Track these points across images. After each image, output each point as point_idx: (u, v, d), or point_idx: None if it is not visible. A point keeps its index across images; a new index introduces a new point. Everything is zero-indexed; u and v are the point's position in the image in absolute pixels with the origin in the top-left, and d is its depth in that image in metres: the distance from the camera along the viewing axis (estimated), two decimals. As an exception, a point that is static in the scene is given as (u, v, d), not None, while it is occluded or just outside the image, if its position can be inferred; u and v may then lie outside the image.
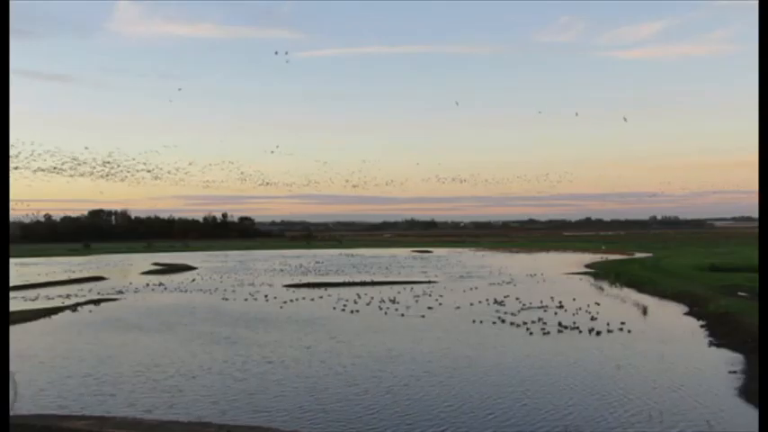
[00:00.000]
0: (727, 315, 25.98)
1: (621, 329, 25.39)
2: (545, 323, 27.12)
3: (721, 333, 23.83)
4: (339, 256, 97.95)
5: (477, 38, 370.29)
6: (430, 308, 33.11)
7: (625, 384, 17.01)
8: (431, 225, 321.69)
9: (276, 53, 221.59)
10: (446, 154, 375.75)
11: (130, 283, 50.42)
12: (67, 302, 37.14)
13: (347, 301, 36.50)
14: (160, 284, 49.50)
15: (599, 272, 56.28)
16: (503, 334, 25.19)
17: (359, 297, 38.41)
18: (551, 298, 36.32)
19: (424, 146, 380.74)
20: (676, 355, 20.72)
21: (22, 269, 68.08)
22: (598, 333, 24.77)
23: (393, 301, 36.00)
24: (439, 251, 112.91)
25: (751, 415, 14.04)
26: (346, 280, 52.26)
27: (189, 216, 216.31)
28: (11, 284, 44.71)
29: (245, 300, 38.63)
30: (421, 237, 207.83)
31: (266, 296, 39.98)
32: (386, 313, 31.41)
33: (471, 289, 43.26)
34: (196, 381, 17.98)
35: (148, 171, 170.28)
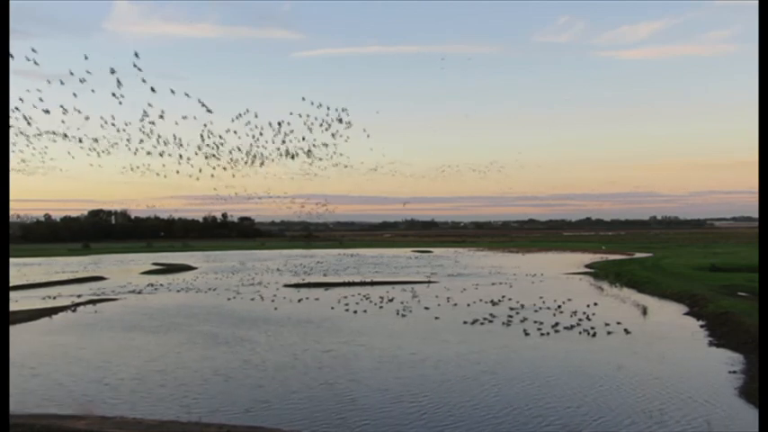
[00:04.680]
0: (727, 315, 25.97)
1: (621, 330, 25.40)
2: (542, 323, 27.12)
3: (721, 333, 23.84)
4: (340, 256, 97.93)
5: (476, 38, 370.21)
6: (427, 308, 33.12)
7: (625, 384, 17.03)
8: (431, 225, 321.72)
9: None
10: (449, 153, 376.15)
11: (130, 283, 50.41)
12: (67, 302, 37.12)
13: (354, 301, 36.38)
14: (161, 284, 49.50)
15: (599, 272, 56.29)
16: (509, 336, 25.19)
17: (363, 297, 38.31)
18: (550, 298, 36.33)
19: (427, 145, 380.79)
20: (676, 356, 20.74)
21: (22, 269, 68.09)
22: (598, 334, 24.78)
23: (398, 302, 35.97)
24: (439, 251, 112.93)
25: (751, 415, 14.06)
26: (349, 280, 52.25)
27: (189, 216, 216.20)
28: (11, 284, 44.71)
29: (252, 299, 38.51)
30: (421, 237, 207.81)
31: (273, 296, 39.87)
32: (402, 316, 30.80)
33: (470, 288, 43.25)
34: (209, 386, 17.38)
35: (148, 170, 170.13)
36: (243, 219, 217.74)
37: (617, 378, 17.76)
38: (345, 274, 58.93)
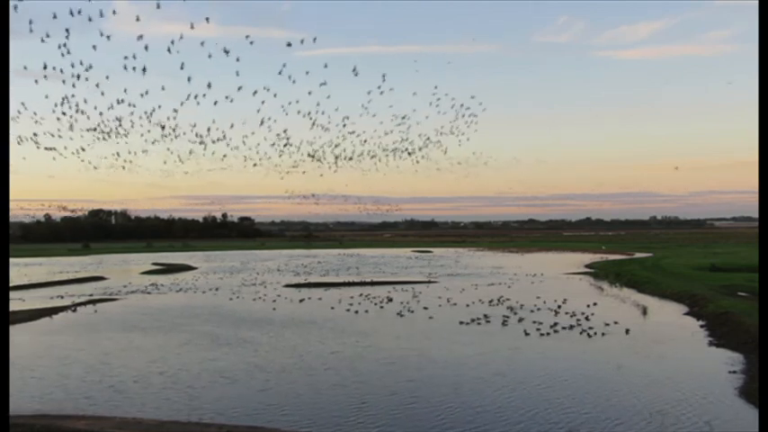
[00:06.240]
0: (727, 315, 25.99)
1: (621, 330, 25.39)
2: (541, 324, 27.11)
3: (721, 333, 23.85)
4: (340, 256, 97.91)
5: (476, 38, 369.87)
6: (426, 308, 33.14)
7: (626, 384, 17.03)
8: (431, 225, 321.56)
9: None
10: (449, 152, 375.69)
11: (131, 283, 50.41)
12: (68, 302, 37.12)
13: (355, 302, 36.24)
14: (161, 285, 49.50)
15: (599, 272, 56.31)
16: (509, 337, 25.20)
17: (364, 298, 38.25)
18: (549, 298, 36.32)
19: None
20: (676, 356, 20.75)
21: (22, 269, 68.09)
22: (597, 334, 24.78)
23: (399, 302, 35.96)
24: (439, 251, 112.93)
25: (751, 415, 14.07)
26: (349, 280, 52.24)
27: (189, 216, 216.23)
28: (11, 284, 44.72)
29: (253, 300, 38.46)
30: (421, 237, 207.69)
31: (276, 296, 39.80)
32: (403, 316, 30.70)
33: (470, 288, 43.28)
34: (212, 388, 17.12)
35: (148, 170, 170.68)
36: (243, 219, 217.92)
37: (616, 378, 17.77)
38: (346, 275, 58.93)
